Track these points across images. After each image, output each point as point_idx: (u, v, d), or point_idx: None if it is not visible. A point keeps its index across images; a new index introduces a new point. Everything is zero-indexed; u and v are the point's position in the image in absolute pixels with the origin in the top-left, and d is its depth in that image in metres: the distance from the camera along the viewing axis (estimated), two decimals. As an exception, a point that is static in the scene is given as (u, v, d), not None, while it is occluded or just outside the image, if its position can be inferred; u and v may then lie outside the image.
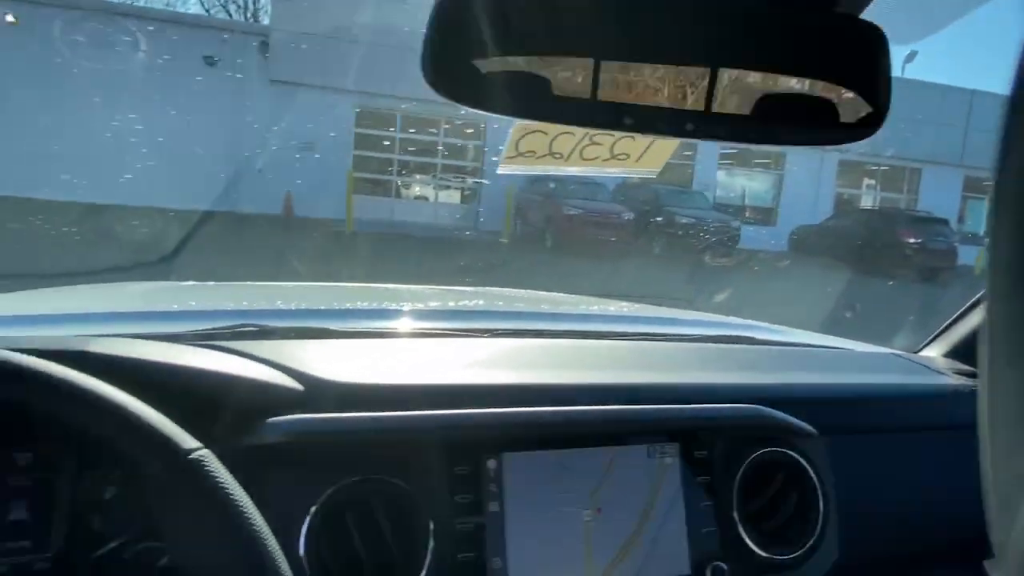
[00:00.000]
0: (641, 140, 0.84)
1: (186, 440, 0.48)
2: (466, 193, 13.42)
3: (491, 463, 0.75)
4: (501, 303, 1.62)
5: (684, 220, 10.41)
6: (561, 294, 1.81)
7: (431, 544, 0.71)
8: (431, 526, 0.71)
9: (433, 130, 12.84)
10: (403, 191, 13.30)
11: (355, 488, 0.70)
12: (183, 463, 0.47)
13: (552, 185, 10.71)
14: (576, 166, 0.84)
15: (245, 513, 0.47)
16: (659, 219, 10.28)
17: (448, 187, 13.47)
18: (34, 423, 0.74)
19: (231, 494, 0.47)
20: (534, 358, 0.98)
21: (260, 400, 0.74)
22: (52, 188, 8.46)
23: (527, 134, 0.80)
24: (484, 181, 12.59)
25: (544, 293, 1.92)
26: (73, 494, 0.75)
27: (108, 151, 8.98)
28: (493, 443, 0.75)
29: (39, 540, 0.73)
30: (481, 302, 1.60)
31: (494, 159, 12.30)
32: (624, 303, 1.69)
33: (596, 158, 0.84)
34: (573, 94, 0.58)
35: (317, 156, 11.00)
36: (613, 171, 0.87)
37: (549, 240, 10.26)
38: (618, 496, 0.78)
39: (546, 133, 0.80)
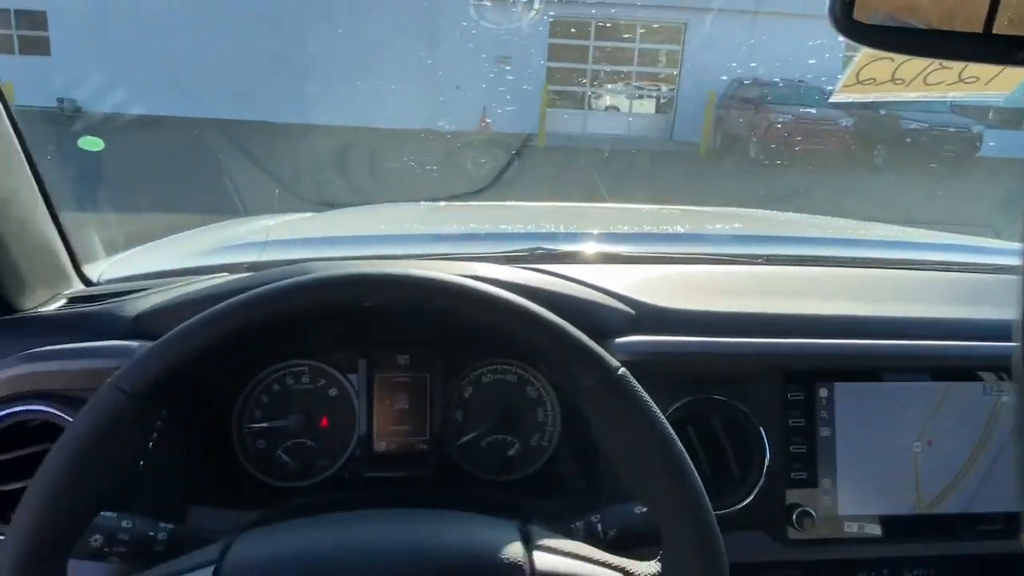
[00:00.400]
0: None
1: (611, 359, 0.56)
2: (661, 102, 12.91)
3: (823, 391, 0.78)
4: (761, 226, 1.60)
5: (913, 125, 9.29)
6: (820, 217, 1.75)
7: (767, 461, 0.76)
8: (766, 445, 0.76)
9: (628, 36, 12.39)
10: (595, 102, 13.10)
11: (696, 405, 0.77)
12: (613, 379, 0.55)
13: (758, 91, 9.99)
14: (917, 91, 0.81)
15: (664, 423, 0.54)
16: (883, 125, 9.26)
17: (642, 97, 13.04)
18: (409, 332, 0.88)
19: (653, 408, 0.55)
20: (837, 288, 0.98)
21: (596, 322, 0.83)
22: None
23: (872, 62, 0.77)
24: (679, 88, 12.04)
25: (795, 215, 1.86)
26: (443, 392, 0.89)
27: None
28: (827, 372, 0.78)
29: (417, 426, 0.89)
30: (738, 225, 1.59)
31: (688, 67, 11.68)
32: (897, 227, 1.60)
33: (941, 83, 0.80)
34: (962, 28, 0.57)
35: (509, 69, 11.11)
36: (956, 95, 0.82)
37: (753, 151, 9.68)
38: (950, 429, 0.78)
39: (892, 60, 0.77)
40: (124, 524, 0.62)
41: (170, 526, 0.65)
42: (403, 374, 0.89)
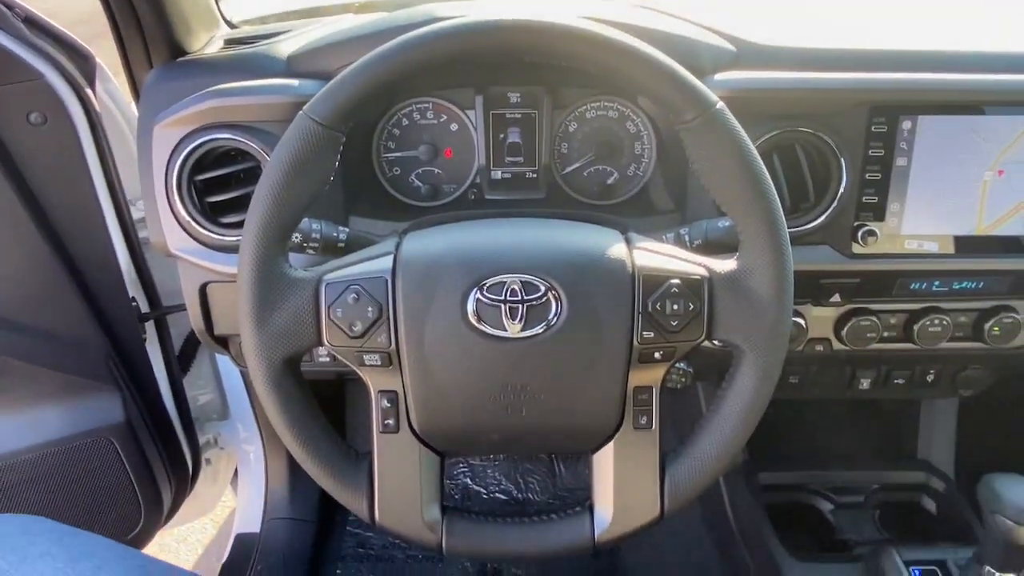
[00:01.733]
0: None
1: (711, 95, 0.65)
2: None
3: (907, 124, 0.84)
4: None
5: None
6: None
7: (842, 188, 0.86)
8: (844, 174, 0.86)
9: None
10: None
11: (783, 136, 0.85)
12: (712, 113, 0.64)
13: None
14: None
15: (754, 153, 0.65)
16: None
17: None
18: (520, 71, 0.97)
19: (745, 140, 0.64)
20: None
21: (699, 59, 0.89)
22: None
23: None
24: None
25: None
26: (550, 126, 1.00)
27: None
28: (912, 106, 0.84)
29: (528, 157, 1.02)
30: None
31: None
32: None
33: None
34: None
35: None
36: None
37: None
38: (1021, 162, 0.85)
39: None
40: (314, 227, 0.79)
41: (346, 229, 0.83)
42: (515, 110, 1.00)
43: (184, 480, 1.42)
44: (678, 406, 1.40)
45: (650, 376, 0.69)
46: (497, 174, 1.02)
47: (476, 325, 0.66)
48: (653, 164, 1.01)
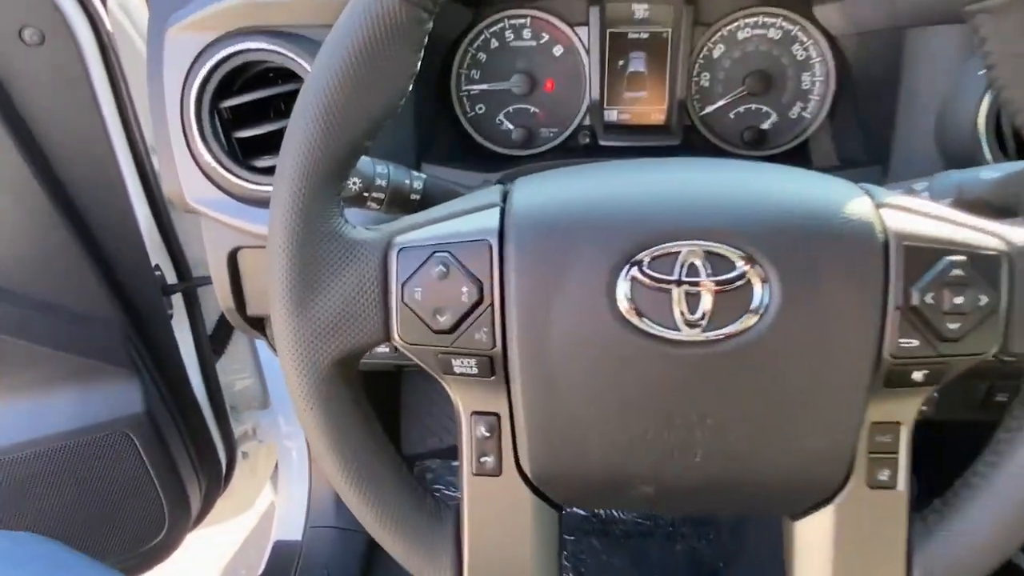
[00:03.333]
0: None
1: None
2: None
3: None
4: None
5: None
6: None
7: None
8: None
9: None
10: None
11: None
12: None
13: None
14: None
15: None
16: None
17: None
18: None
19: None
20: None
21: None
22: None
23: None
24: None
25: None
26: (687, 50, 0.75)
27: None
28: None
29: (656, 92, 0.77)
30: None
31: None
32: None
33: None
34: None
35: None
36: None
37: None
38: None
39: None
40: (380, 170, 0.56)
41: (423, 175, 0.59)
42: (641, 28, 0.75)
43: (216, 477, 1.23)
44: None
45: (901, 407, 0.44)
46: (613, 114, 0.78)
47: (631, 319, 0.42)
48: (828, 102, 0.75)
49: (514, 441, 0.46)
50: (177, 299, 1.09)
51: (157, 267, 1.02)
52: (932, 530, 0.45)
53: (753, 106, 0.76)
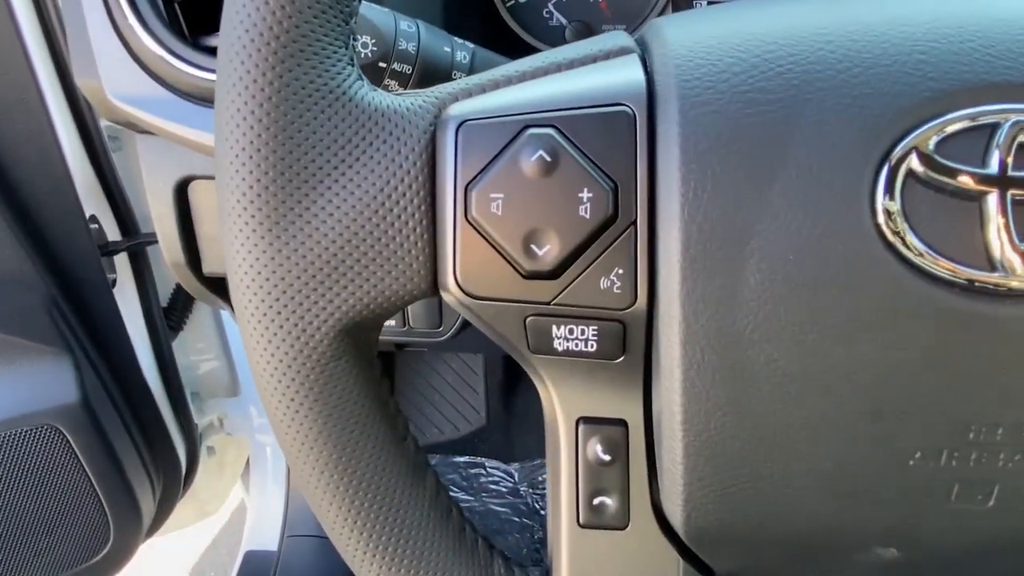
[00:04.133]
0: None
1: None
2: None
3: None
4: None
5: None
6: None
7: None
8: None
9: None
10: None
11: None
12: None
13: None
14: None
15: None
16: None
17: None
18: None
19: None
20: None
21: None
22: None
23: None
24: None
25: None
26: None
27: None
28: None
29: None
30: None
31: None
32: None
33: None
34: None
35: None
36: None
37: None
38: None
39: None
40: (405, 27, 0.35)
41: (471, 45, 0.39)
42: None
43: (174, 478, 1.03)
44: None
45: None
46: (705, 1, 0.58)
47: (903, 251, 0.22)
48: None
49: (652, 471, 0.26)
50: (122, 261, 0.87)
51: (93, 219, 0.80)
52: None
53: None
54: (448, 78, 0.37)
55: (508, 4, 0.58)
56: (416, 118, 0.25)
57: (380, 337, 0.52)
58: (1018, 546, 0.26)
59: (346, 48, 0.24)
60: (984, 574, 0.27)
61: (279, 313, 0.24)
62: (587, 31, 0.58)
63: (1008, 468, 0.24)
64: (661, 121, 0.23)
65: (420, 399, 1.19)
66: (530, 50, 0.59)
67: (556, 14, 0.58)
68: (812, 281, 0.23)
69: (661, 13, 0.58)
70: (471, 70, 0.38)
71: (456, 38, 0.38)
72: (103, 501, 0.89)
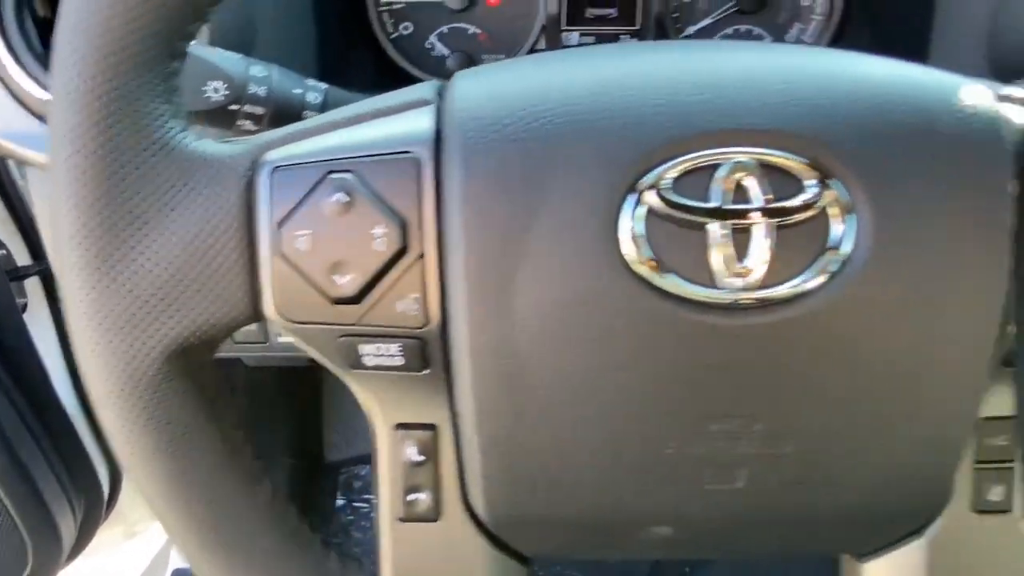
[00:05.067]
0: None
1: None
2: None
3: None
4: None
5: None
6: None
7: None
8: None
9: None
10: None
11: None
12: None
13: None
14: None
15: None
16: None
17: None
18: None
19: None
20: None
21: None
22: None
23: None
24: None
25: None
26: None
27: None
28: None
29: (627, 8, 0.62)
30: None
31: None
32: None
33: None
34: None
35: None
36: None
37: None
38: None
39: None
40: (256, 72, 0.39)
41: (323, 85, 0.42)
42: (607, -74, 0.60)
43: (96, 500, 1.02)
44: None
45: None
46: (574, 37, 0.62)
47: (642, 273, 0.26)
48: (834, 24, 0.62)
49: (461, 468, 0.30)
50: (34, 285, 0.88)
51: (1, 244, 0.81)
52: None
53: (743, 27, 0.62)
54: (299, 117, 0.40)
55: (392, 36, 0.62)
56: (235, 163, 0.28)
57: (286, 355, 0.54)
58: (765, 516, 0.30)
59: (169, 103, 0.27)
60: (739, 538, 0.31)
61: (110, 342, 0.27)
62: (468, 61, 0.62)
63: (751, 453, 0.28)
64: (446, 165, 0.27)
65: (347, 408, 1.21)
66: (412, 81, 0.62)
67: (438, 45, 0.62)
68: (571, 303, 0.27)
69: (534, 45, 0.62)
70: (323, 108, 0.41)
71: (310, 80, 0.41)
72: (19, 525, 0.89)
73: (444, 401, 0.29)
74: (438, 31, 0.62)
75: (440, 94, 0.29)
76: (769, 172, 0.26)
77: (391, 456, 0.30)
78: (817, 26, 0.62)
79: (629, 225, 0.26)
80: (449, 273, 0.27)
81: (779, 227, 0.26)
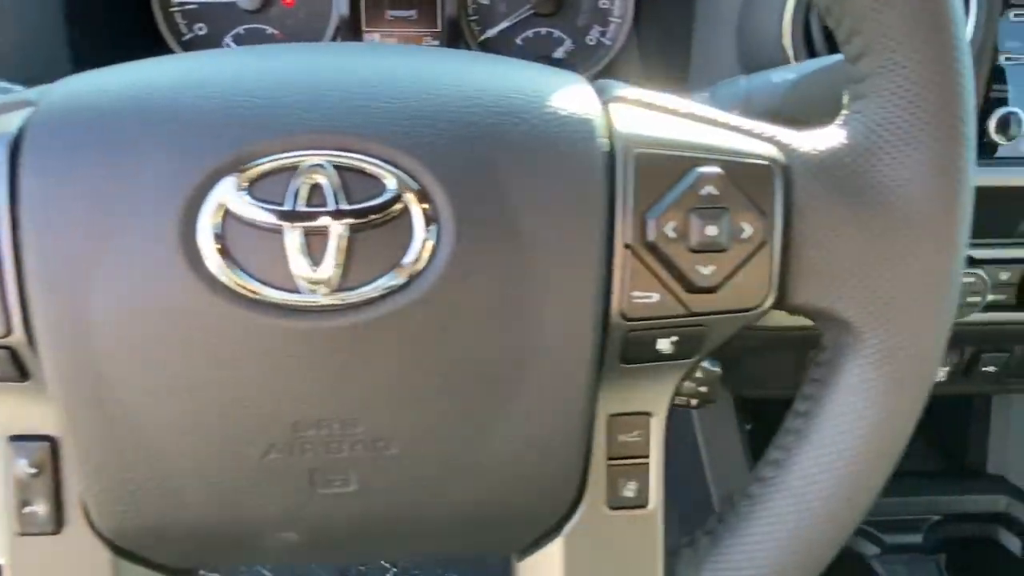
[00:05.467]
0: None
1: None
2: None
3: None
4: None
5: None
6: None
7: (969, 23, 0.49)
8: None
9: None
10: None
11: None
12: None
13: None
14: None
15: None
16: None
17: None
18: None
19: None
20: None
21: None
22: None
23: None
24: None
25: None
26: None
27: None
28: None
29: (426, 12, 0.62)
30: None
31: None
32: None
33: None
34: None
35: None
36: None
37: None
38: None
39: None
40: None
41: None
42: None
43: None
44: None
45: (648, 392, 0.31)
46: (374, 39, 0.62)
47: (221, 277, 0.26)
48: (628, 24, 0.62)
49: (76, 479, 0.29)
50: None
51: None
52: (703, 560, 0.32)
53: (543, 30, 0.62)
54: None
55: (184, 39, 0.61)
56: None
57: None
58: (388, 519, 0.30)
59: None
60: (375, 541, 0.31)
61: None
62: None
63: (355, 456, 0.28)
64: (21, 163, 0.26)
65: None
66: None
67: (234, 46, 0.61)
68: (151, 312, 0.26)
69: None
70: None
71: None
72: None
73: (58, 411, 0.29)
74: (233, 32, 0.61)
75: (45, 93, 0.29)
76: (348, 175, 0.26)
77: (4, 469, 0.29)
78: (615, 29, 0.62)
79: (207, 230, 0.26)
80: (26, 283, 0.26)
81: (355, 229, 0.26)
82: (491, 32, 0.62)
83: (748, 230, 0.28)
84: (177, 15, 0.60)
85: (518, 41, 0.63)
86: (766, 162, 0.28)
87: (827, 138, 0.29)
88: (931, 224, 0.28)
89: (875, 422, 0.30)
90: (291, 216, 0.26)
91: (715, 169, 0.28)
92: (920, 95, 0.28)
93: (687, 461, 0.83)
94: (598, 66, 0.63)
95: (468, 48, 0.62)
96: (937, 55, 0.27)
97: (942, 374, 0.69)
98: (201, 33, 0.61)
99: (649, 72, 0.62)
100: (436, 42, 0.62)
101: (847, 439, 0.30)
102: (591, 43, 0.63)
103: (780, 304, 0.30)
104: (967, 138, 0.28)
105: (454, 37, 0.61)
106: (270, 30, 0.61)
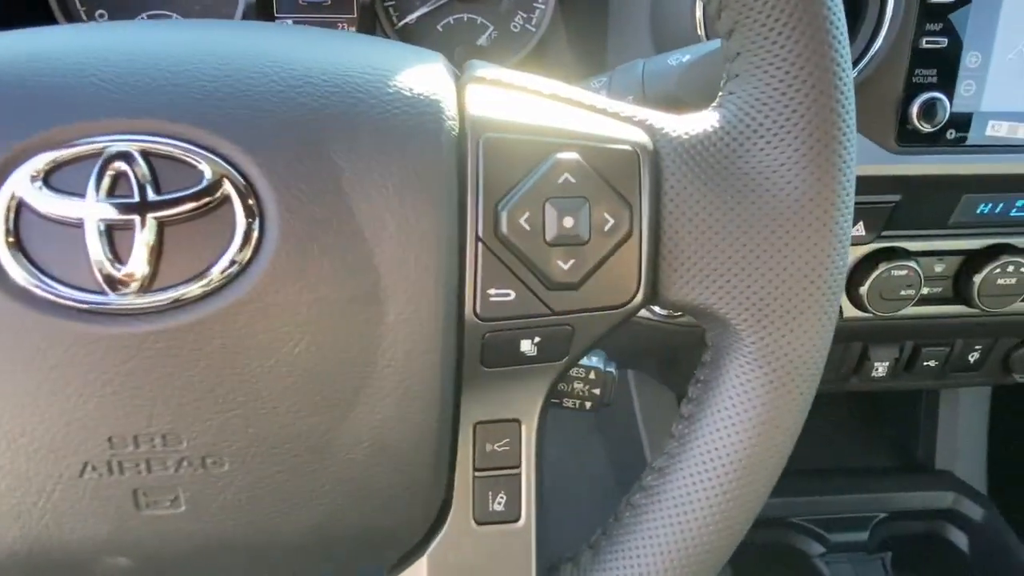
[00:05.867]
0: None
1: None
2: None
3: None
4: None
5: None
6: None
7: (886, 20, 0.47)
8: None
9: None
10: None
11: None
12: None
13: None
14: None
15: None
16: None
17: None
18: None
19: None
20: None
21: None
22: None
23: None
24: None
25: None
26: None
27: None
28: None
29: (340, -2, 0.59)
30: None
31: None
32: None
33: None
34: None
35: None
36: None
37: None
38: None
39: None
40: None
41: None
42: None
43: None
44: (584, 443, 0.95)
45: (516, 397, 0.28)
46: (287, 24, 0.59)
47: (15, 277, 0.23)
48: (551, 9, 0.60)
49: None
50: None
51: None
52: (584, 574, 0.30)
53: (465, 16, 0.60)
54: None
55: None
56: None
57: None
58: (229, 545, 0.27)
59: None
60: (218, 566, 0.29)
61: None
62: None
63: (182, 474, 0.26)
64: None
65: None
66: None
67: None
68: None
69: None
70: None
71: None
72: None
73: None
74: (139, 17, 0.58)
75: None
76: (160, 163, 0.24)
77: None
78: (540, 15, 0.60)
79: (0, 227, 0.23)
80: None
81: (167, 223, 0.23)
82: (410, 19, 0.60)
83: (611, 221, 0.26)
84: (78, 1, 0.57)
85: (439, 28, 0.60)
86: (629, 147, 0.26)
87: (700, 122, 0.27)
88: (806, 214, 0.26)
89: (758, 425, 0.28)
90: (92, 209, 0.23)
91: (572, 155, 0.25)
92: (791, 73, 0.25)
93: (632, 464, 0.82)
94: (523, 52, 0.60)
95: (385, 33, 0.59)
96: (810, 26, 0.25)
97: (881, 369, 0.68)
98: (102, 18, 0.58)
99: (578, 58, 0.60)
100: (352, 28, 0.59)
101: (729, 443, 0.28)
102: (515, 30, 0.60)
103: (653, 300, 0.27)
104: (844, 119, 0.26)
105: (369, 23, 0.58)
106: (175, 15, 0.58)
